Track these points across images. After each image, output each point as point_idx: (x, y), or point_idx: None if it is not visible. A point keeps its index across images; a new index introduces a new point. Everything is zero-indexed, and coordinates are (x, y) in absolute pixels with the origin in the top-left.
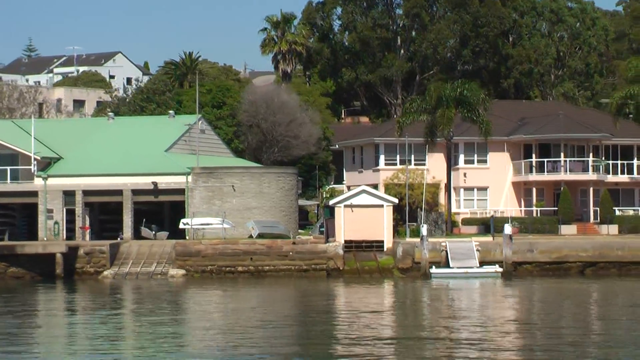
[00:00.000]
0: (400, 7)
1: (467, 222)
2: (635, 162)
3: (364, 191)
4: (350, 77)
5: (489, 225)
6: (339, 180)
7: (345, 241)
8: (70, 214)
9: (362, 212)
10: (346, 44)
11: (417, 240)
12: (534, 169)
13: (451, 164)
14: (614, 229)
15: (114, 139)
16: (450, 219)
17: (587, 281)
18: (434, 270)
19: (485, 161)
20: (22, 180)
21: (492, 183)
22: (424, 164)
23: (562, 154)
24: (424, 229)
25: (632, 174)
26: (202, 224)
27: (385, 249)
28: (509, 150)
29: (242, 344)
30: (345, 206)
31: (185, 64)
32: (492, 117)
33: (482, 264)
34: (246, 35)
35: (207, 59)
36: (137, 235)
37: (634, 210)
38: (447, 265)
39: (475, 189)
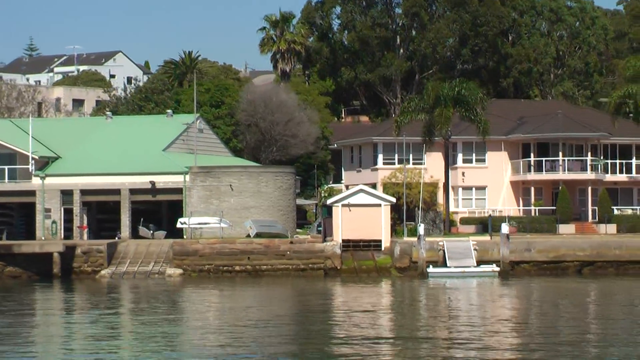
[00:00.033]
0: (400, 7)
1: (465, 221)
2: (633, 161)
3: (361, 190)
4: (349, 76)
5: (487, 225)
6: (338, 179)
7: (343, 240)
8: (68, 213)
9: (359, 211)
10: (345, 43)
11: (415, 239)
12: (532, 168)
13: (449, 163)
14: (612, 228)
15: (112, 138)
16: (448, 218)
17: (584, 280)
18: (431, 269)
19: (483, 160)
20: (19, 180)
21: (490, 182)
22: (423, 163)
23: (560, 153)
24: (421, 228)
25: (631, 173)
26: (199, 223)
27: (382, 248)
28: (507, 149)
29: (231, 343)
30: (343, 205)
31: (185, 63)
32: (491, 117)
33: (479, 263)
34: (247, 35)
35: (208, 59)
36: (134, 234)
37: (632, 209)
38: (445, 265)
39: (474, 188)
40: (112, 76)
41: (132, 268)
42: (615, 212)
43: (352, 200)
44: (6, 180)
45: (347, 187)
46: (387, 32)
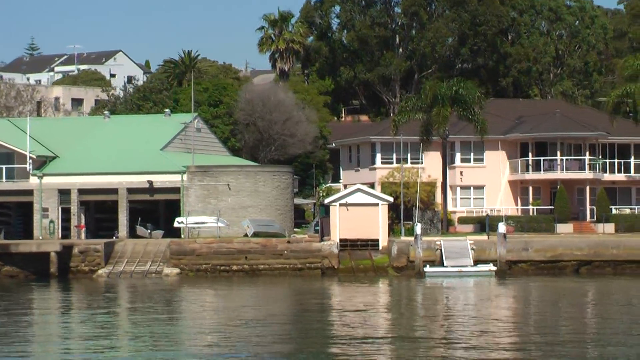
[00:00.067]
0: (399, 6)
1: (463, 220)
2: (632, 160)
3: (359, 190)
4: (348, 75)
5: (485, 224)
6: (336, 178)
7: (340, 240)
8: (66, 213)
9: (357, 210)
10: (344, 42)
11: (412, 239)
12: (530, 167)
13: (447, 162)
14: (610, 227)
15: (110, 137)
16: (446, 217)
17: (582, 280)
18: (428, 269)
19: (481, 160)
20: (17, 179)
21: (488, 182)
22: (421, 163)
23: (558, 153)
24: (418, 228)
25: (629, 172)
26: (197, 223)
27: (380, 248)
28: (505, 148)
29: (223, 343)
30: (340, 205)
31: (185, 63)
32: (489, 116)
33: (476, 262)
34: (247, 34)
35: (207, 58)
36: (132, 233)
37: (630, 209)
38: (442, 264)
39: (472, 188)
40: (113, 75)
41: (130, 267)
42: (614, 211)
43: (350, 199)
44: (4, 179)
45: (345, 187)
46: (386, 32)
